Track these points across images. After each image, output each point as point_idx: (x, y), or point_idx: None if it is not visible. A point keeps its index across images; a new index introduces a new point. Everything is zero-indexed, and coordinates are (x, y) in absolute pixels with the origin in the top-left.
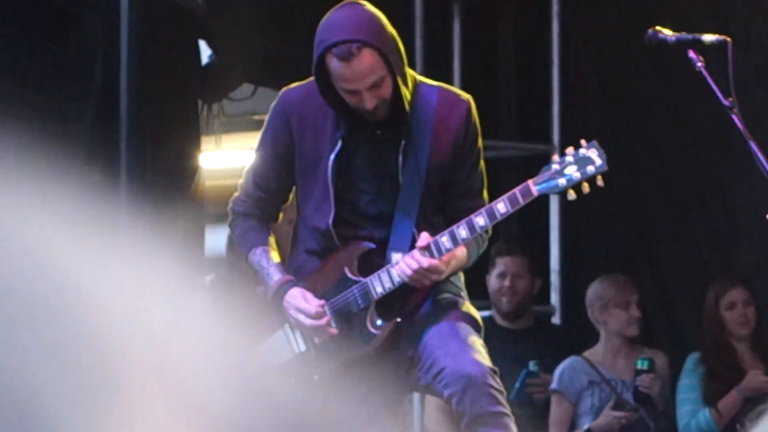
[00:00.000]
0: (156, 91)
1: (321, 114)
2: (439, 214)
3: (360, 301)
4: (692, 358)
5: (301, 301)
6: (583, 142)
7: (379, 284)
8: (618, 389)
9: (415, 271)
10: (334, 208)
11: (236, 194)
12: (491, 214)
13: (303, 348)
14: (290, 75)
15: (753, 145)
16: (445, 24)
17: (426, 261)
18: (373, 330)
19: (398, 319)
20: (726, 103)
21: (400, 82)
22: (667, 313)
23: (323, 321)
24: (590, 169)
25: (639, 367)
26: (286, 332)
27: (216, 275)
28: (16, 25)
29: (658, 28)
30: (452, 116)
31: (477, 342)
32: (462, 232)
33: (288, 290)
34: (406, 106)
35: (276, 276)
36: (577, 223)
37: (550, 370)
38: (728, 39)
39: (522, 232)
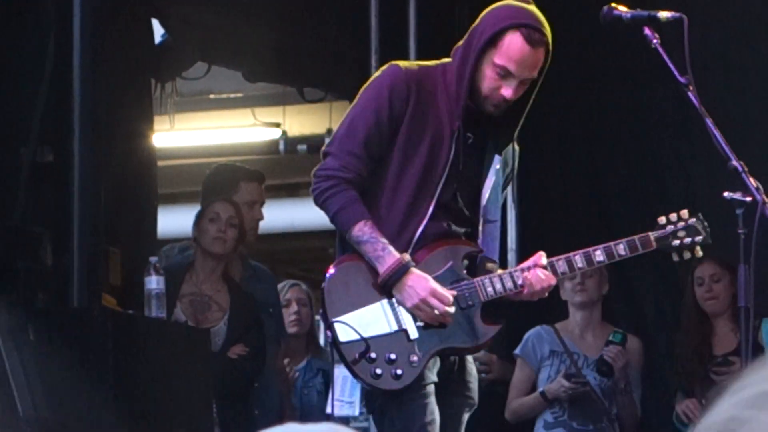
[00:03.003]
0: (109, 70)
1: (431, 99)
2: None
3: (470, 299)
4: None
5: (436, 284)
6: (685, 212)
7: (491, 287)
8: (579, 363)
9: (544, 287)
10: (436, 201)
11: (330, 160)
12: (610, 254)
13: (403, 326)
14: (245, 53)
15: (709, 123)
16: (401, 2)
17: (554, 279)
18: (483, 328)
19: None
20: (682, 80)
21: (530, 100)
22: (627, 298)
23: (453, 309)
24: (698, 238)
25: (610, 338)
26: (384, 307)
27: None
28: None
29: (613, 4)
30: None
31: None
32: (578, 260)
33: (413, 269)
34: (518, 125)
35: (395, 254)
36: (536, 198)
37: None
38: (684, 16)
39: None
